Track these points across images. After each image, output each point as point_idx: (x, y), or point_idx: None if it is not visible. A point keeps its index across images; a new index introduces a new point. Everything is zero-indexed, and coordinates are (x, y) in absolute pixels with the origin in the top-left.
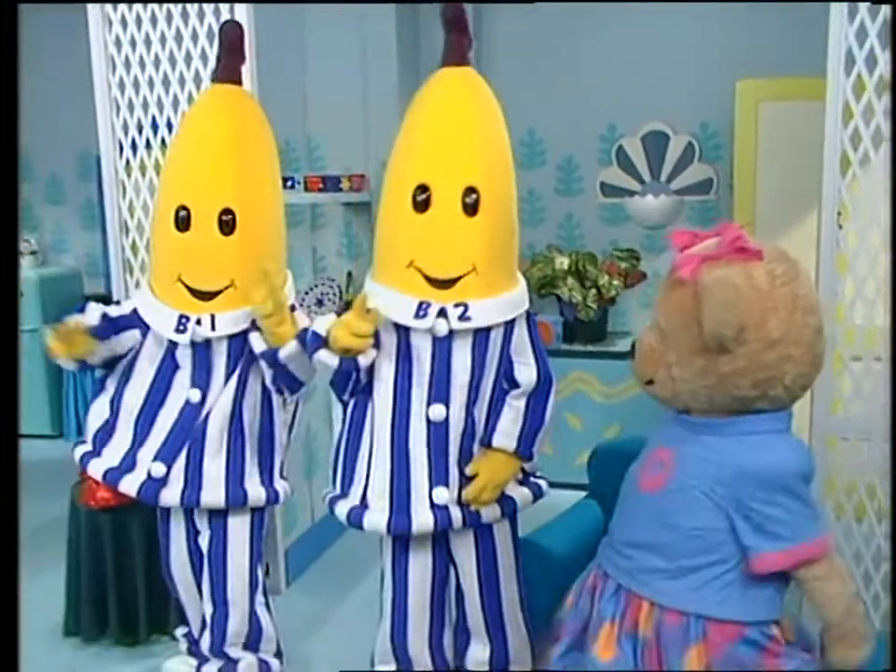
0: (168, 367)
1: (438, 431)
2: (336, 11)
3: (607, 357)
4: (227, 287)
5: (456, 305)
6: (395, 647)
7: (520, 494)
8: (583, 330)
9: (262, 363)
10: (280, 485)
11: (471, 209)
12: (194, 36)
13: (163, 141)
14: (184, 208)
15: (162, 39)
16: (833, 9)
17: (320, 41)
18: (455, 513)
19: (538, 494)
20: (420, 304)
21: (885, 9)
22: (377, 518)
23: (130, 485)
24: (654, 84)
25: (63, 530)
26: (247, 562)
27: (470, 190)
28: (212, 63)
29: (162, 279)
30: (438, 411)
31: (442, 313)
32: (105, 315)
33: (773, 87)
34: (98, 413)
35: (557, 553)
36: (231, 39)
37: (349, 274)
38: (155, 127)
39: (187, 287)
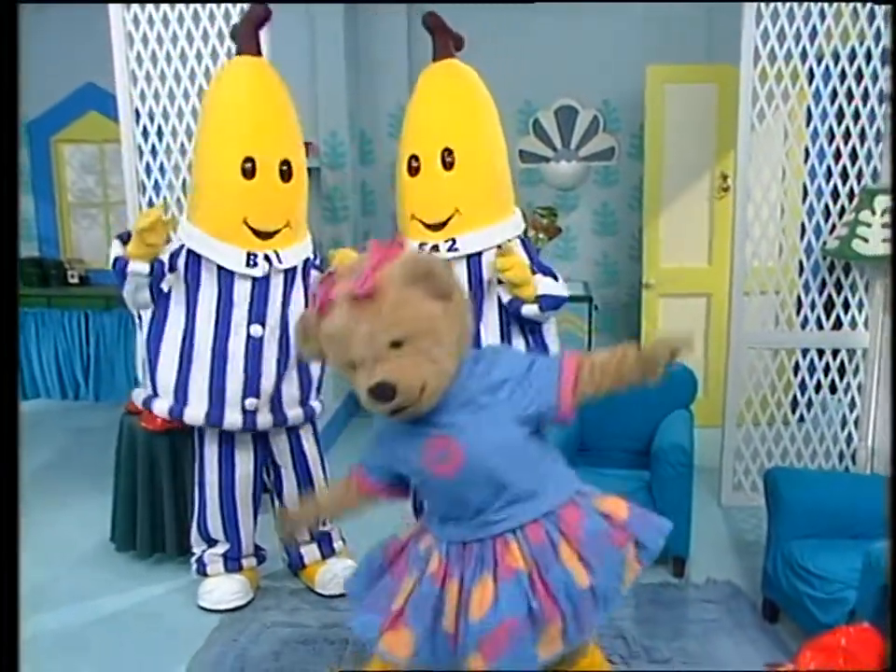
0: (226, 306)
1: None
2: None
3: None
4: (284, 227)
5: (446, 241)
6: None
7: None
8: None
9: None
10: (319, 400)
11: (449, 166)
12: (211, 17)
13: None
14: (249, 159)
15: (180, 19)
16: (746, 16)
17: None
18: None
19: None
20: (420, 245)
21: (783, 16)
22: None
23: (233, 422)
24: (566, 67)
25: (39, 481)
26: (321, 457)
27: (447, 151)
28: (227, 42)
29: (226, 222)
30: None
31: (435, 249)
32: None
33: (676, 72)
34: (168, 363)
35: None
36: (262, 17)
37: None
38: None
39: (251, 228)
